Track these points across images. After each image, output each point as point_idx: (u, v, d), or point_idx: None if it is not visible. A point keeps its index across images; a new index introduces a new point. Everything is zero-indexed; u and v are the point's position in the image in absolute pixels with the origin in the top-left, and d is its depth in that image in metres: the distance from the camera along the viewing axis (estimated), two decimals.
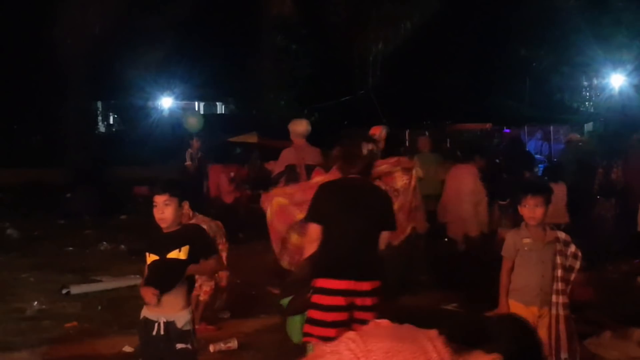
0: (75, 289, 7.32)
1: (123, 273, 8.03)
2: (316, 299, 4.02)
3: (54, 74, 19.35)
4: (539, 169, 13.89)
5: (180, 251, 3.70)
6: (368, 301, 4.00)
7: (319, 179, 5.42)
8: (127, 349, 5.55)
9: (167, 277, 3.71)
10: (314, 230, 4.17)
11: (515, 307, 4.31)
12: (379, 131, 6.87)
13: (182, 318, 3.73)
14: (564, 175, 8.87)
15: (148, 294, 3.66)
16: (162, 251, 3.73)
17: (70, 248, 9.98)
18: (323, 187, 4.32)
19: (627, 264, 8.55)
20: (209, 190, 10.82)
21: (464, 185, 6.97)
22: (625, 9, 20.71)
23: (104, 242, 10.15)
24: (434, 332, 2.15)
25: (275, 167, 7.32)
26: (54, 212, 13.13)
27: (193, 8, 20.49)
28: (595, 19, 20.73)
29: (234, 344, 5.60)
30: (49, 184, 16.34)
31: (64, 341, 5.82)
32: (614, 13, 20.90)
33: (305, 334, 4.05)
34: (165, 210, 3.73)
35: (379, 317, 3.38)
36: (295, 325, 4.31)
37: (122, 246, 9.85)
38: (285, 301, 4.33)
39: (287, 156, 7.09)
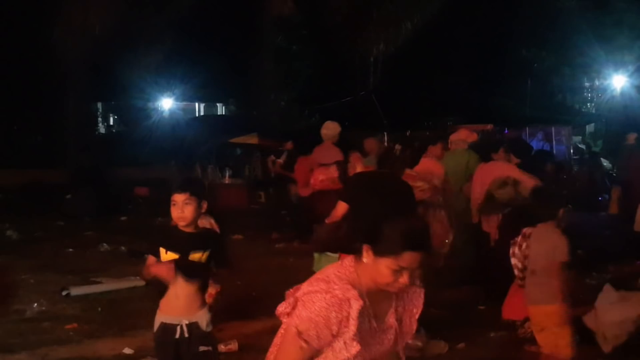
0: (75, 291, 7.30)
1: (123, 274, 8.01)
2: None
3: (54, 75, 19.35)
4: None
5: (202, 255, 3.66)
6: None
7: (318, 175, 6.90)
8: (127, 350, 5.54)
9: (187, 278, 3.64)
10: (342, 207, 5.17)
11: None
12: (468, 135, 7.95)
13: (203, 318, 3.69)
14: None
15: (164, 267, 3.56)
16: (184, 251, 3.64)
17: (70, 249, 9.95)
18: (354, 177, 5.46)
19: (629, 265, 8.52)
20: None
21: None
22: (627, 9, 20.69)
23: (104, 244, 10.11)
24: None
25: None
26: (54, 213, 13.10)
27: (193, 9, 20.47)
28: (597, 20, 20.70)
29: (234, 345, 5.57)
30: (49, 184, 16.31)
31: (63, 343, 5.80)
32: (615, 14, 20.87)
33: None
34: (185, 210, 3.64)
35: None
36: (316, 258, 5.64)
37: (122, 247, 9.82)
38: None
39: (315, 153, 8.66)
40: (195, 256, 3.65)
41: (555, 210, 4.61)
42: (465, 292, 7.11)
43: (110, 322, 6.37)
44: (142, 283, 7.47)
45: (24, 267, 8.61)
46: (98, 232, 11.23)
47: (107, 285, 7.62)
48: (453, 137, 8.16)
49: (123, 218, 13.29)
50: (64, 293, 7.23)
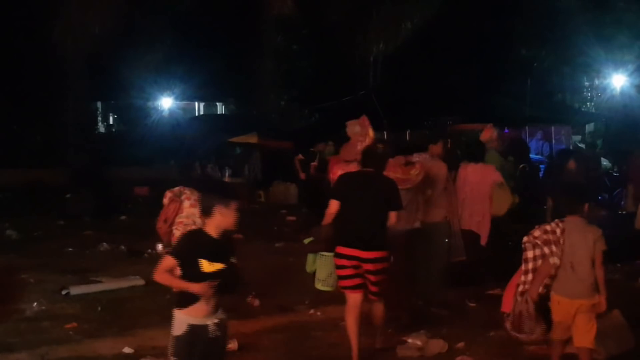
0: (75, 290, 7.30)
1: (123, 274, 8.01)
2: (336, 261, 5.32)
3: (54, 74, 19.36)
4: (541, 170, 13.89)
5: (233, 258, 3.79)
6: (371, 267, 5.19)
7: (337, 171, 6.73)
8: (127, 350, 5.54)
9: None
10: (334, 204, 5.31)
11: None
12: (490, 133, 7.99)
13: (224, 313, 3.81)
14: None
15: (207, 287, 3.62)
16: (226, 258, 3.74)
17: (70, 249, 9.95)
18: (344, 175, 5.55)
19: (629, 264, 8.52)
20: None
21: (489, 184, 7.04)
22: (627, 9, 20.72)
23: (104, 243, 10.11)
24: None
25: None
26: (53, 213, 13.10)
27: (193, 8, 20.49)
28: (597, 19, 20.72)
29: (234, 345, 5.56)
30: (49, 184, 16.31)
31: (63, 342, 5.80)
32: (615, 13, 20.89)
33: (340, 286, 5.43)
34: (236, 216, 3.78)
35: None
36: (309, 260, 5.79)
37: (122, 247, 9.81)
38: (307, 240, 5.82)
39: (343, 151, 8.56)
40: (233, 260, 3.77)
41: (582, 205, 4.63)
42: (463, 292, 7.11)
43: (110, 321, 6.37)
44: (141, 282, 7.48)
45: (24, 266, 8.60)
46: (98, 232, 11.22)
47: (107, 285, 7.62)
48: (484, 139, 8.12)
49: (123, 218, 13.28)
50: (63, 292, 7.23)
